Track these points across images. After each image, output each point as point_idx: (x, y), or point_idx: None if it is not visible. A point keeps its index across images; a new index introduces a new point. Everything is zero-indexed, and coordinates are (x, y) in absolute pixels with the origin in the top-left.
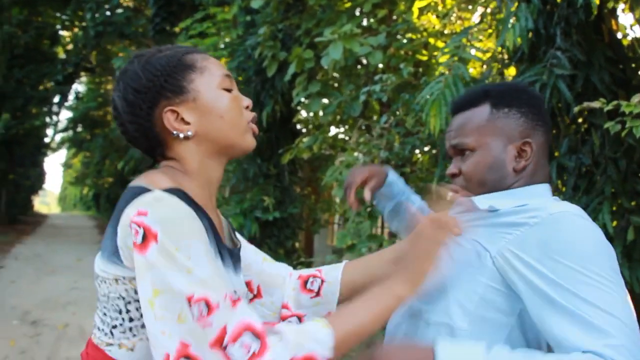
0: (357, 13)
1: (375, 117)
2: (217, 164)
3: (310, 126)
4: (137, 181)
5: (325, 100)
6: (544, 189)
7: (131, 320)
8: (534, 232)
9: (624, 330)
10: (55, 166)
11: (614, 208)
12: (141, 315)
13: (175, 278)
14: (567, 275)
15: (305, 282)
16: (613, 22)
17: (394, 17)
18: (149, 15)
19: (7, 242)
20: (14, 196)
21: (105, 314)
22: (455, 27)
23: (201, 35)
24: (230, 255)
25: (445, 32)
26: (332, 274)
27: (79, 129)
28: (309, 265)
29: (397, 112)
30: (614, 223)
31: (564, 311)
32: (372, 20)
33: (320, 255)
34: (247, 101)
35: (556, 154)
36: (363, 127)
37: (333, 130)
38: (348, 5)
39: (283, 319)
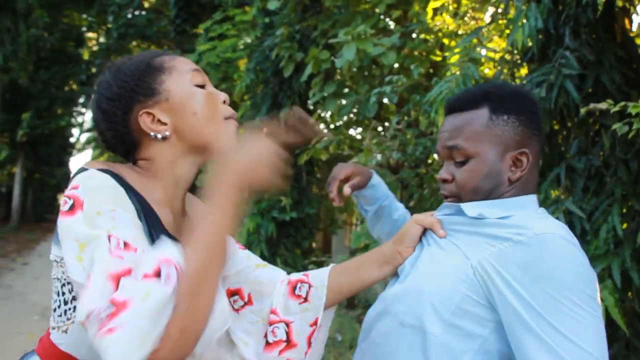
0: (371, 14)
1: (390, 118)
2: (189, 163)
3: (330, 127)
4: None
5: (342, 101)
6: (532, 200)
7: (65, 302)
8: (516, 251)
9: None
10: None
11: (624, 210)
12: (73, 298)
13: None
14: (544, 302)
15: (294, 288)
16: (626, 20)
17: (409, 18)
18: (170, 17)
19: (32, 240)
20: (40, 195)
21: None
22: (470, 27)
23: (221, 36)
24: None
25: (460, 32)
26: (319, 278)
27: None
28: (320, 264)
29: (411, 113)
30: (624, 225)
31: (535, 336)
32: (386, 20)
33: (337, 255)
34: (222, 96)
35: (567, 155)
36: (379, 129)
37: (351, 131)
38: (366, 7)
39: (270, 324)
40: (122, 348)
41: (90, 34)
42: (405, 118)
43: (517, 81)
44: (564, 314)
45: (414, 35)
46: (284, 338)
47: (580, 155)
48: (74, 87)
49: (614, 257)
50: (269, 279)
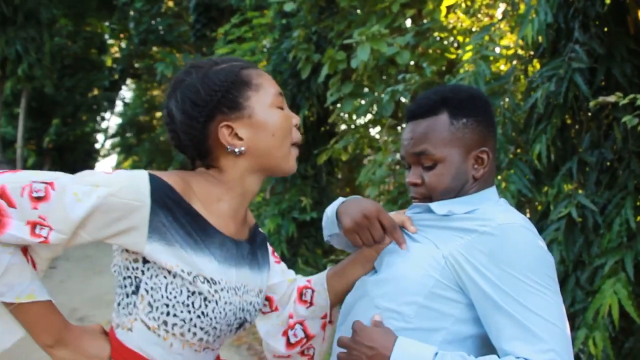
0: (387, 13)
1: None
2: (256, 179)
3: (350, 126)
4: None
5: (362, 101)
6: (493, 192)
7: (127, 295)
8: (482, 241)
9: (556, 334)
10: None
11: (638, 203)
12: (134, 292)
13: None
14: (511, 283)
15: (301, 294)
16: (639, 12)
17: (423, 16)
18: (190, 22)
19: None
20: None
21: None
22: (484, 24)
23: (239, 39)
24: (236, 246)
25: (474, 29)
26: (319, 283)
27: (128, 134)
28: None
29: None
30: (637, 218)
31: (505, 313)
32: (401, 19)
33: None
34: (296, 119)
35: (579, 149)
36: (397, 127)
37: (372, 131)
38: (382, 6)
39: (290, 327)
40: None
41: (112, 41)
42: None
43: (530, 75)
44: (528, 292)
45: (428, 34)
46: (303, 335)
47: (593, 149)
48: (97, 93)
49: (627, 250)
50: (293, 291)
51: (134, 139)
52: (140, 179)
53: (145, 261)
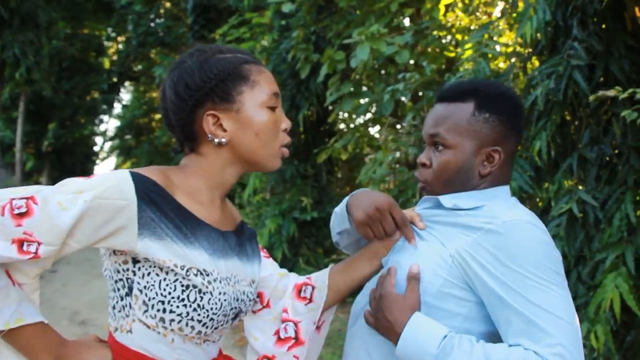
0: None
1: (406, 115)
2: (235, 171)
3: (349, 126)
4: None
5: (362, 101)
6: (504, 190)
7: (121, 298)
8: (487, 238)
9: (563, 328)
10: (100, 172)
11: (637, 198)
12: (127, 294)
13: (59, 193)
14: (517, 280)
15: (300, 291)
16: (636, 9)
17: (421, 15)
18: (188, 23)
19: None
20: None
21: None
22: (482, 22)
23: (238, 40)
24: (222, 237)
25: (472, 27)
26: (321, 280)
27: (127, 136)
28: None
29: (425, 110)
30: (637, 213)
31: (513, 310)
32: (400, 18)
33: None
34: (286, 124)
35: (579, 145)
36: (397, 126)
37: (371, 130)
38: (381, 5)
39: (283, 321)
40: None
41: (110, 43)
42: (420, 114)
43: (529, 73)
44: (534, 288)
45: (427, 32)
46: (293, 335)
47: (592, 145)
48: (96, 96)
49: (628, 244)
50: (284, 286)
51: (133, 141)
52: (122, 177)
53: (136, 261)
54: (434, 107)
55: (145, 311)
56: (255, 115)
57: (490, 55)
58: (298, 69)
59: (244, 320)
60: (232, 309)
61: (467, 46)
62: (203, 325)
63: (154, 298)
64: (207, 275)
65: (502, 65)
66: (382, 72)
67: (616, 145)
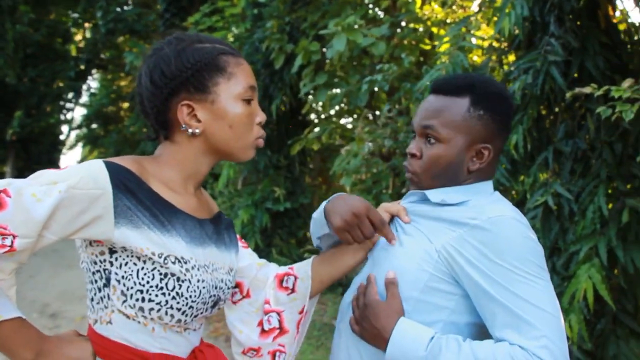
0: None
1: (381, 106)
2: (208, 161)
3: (320, 117)
4: None
5: (336, 91)
6: (488, 185)
7: (99, 290)
8: (473, 234)
9: (548, 320)
10: (71, 163)
11: (610, 191)
12: (105, 285)
13: (32, 185)
14: (503, 274)
15: (281, 281)
16: (609, 7)
17: (397, 7)
18: (159, 11)
19: None
20: None
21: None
22: (458, 16)
23: (210, 29)
24: (199, 225)
25: (448, 21)
26: (303, 270)
27: (94, 125)
28: (317, 253)
29: (402, 101)
30: (610, 205)
31: (499, 304)
32: (375, 10)
33: None
34: (260, 117)
35: (554, 139)
36: (370, 117)
37: (342, 121)
38: None
39: (265, 313)
40: None
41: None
42: (396, 106)
43: (505, 67)
44: (519, 282)
45: (402, 25)
46: (277, 326)
47: (567, 139)
48: (62, 84)
49: (601, 236)
50: (264, 275)
51: (101, 130)
52: (96, 167)
53: (113, 251)
54: (427, 98)
55: (124, 301)
56: (230, 107)
57: (466, 49)
58: (272, 60)
59: (226, 313)
60: (211, 296)
61: (445, 39)
62: (182, 313)
63: (132, 288)
64: (185, 262)
65: (476, 58)
66: (356, 63)
67: (590, 140)
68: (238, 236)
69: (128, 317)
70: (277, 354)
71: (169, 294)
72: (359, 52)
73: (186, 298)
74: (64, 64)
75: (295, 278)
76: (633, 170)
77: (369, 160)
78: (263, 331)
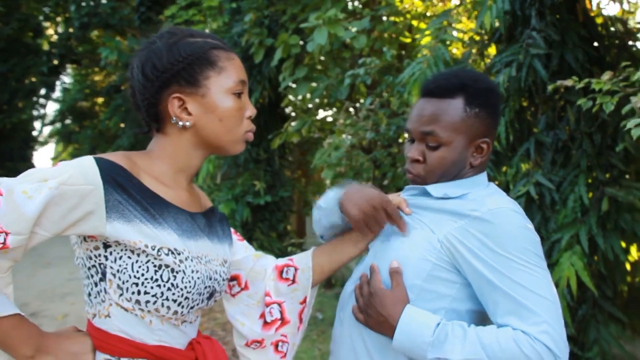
0: None
1: (362, 100)
2: (199, 154)
3: (299, 110)
4: None
5: (314, 84)
6: (483, 177)
7: (96, 284)
8: (475, 225)
9: (548, 307)
10: (44, 160)
11: (590, 180)
12: (101, 279)
13: (22, 183)
14: (504, 263)
15: (281, 272)
16: (587, 1)
17: (377, 1)
18: (134, 5)
19: None
20: None
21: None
22: (438, 9)
23: (187, 23)
24: (191, 218)
25: (428, 14)
26: (304, 261)
27: (67, 121)
28: (300, 246)
29: (383, 94)
30: (590, 194)
31: (501, 291)
32: (356, 4)
33: (312, 236)
34: (250, 111)
35: (536, 130)
36: (350, 110)
37: (321, 114)
38: None
39: (267, 305)
40: None
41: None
42: (377, 99)
43: (487, 60)
44: (520, 270)
45: (383, 18)
46: (279, 317)
47: (548, 130)
48: (34, 79)
49: (581, 224)
50: (262, 267)
51: (75, 126)
52: (86, 163)
53: (107, 246)
54: (420, 102)
55: (121, 294)
56: (221, 100)
57: (448, 42)
58: (251, 53)
59: (226, 306)
60: (206, 287)
61: (427, 32)
62: (179, 304)
63: (127, 281)
64: (178, 254)
65: (455, 51)
66: (336, 57)
67: (570, 131)
68: (233, 230)
69: (126, 310)
70: (280, 344)
71: (164, 286)
72: (339, 46)
73: (181, 289)
74: (35, 58)
75: (296, 269)
76: (612, 160)
77: (350, 153)
78: (265, 323)
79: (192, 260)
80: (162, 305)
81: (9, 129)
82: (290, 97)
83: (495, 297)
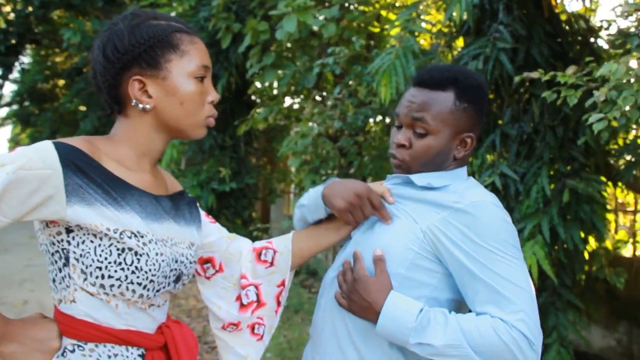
0: None
1: (329, 88)
2: (161, 138)
3: (265, 97)
4: None
5: (281, 72)
6: (464, 171)
7: (60, 270)
8: (457, 217)
9: (524, 296)
10: (0, 142)
11: (552, 172)
12: (65, 264)
13: None
14: (484, 254)
15: (260, 254)
16: None
17: None
18: None
19: None
20: None
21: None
22: (407, 0)
23: (152, 5)
24: (155, 200)
25: (397, 4)
26: (283, 244)
27: (26, 103)
28: (265, 232)
29: (350, 83)
30: (552, 186)
31: (480, 281)
32: None
33: (277, 224)
34: (213, 96)
35: (501, 122)
36: (317, 98)
37: (288, 101)
38: None
39: (243, 287)
40: None
41: (5, 2)
42: (345, 88)
43: (454, 52)
44: (499, 261)
45: (351, 7)
46: (255, 299)
47: (513, 123)
48: None
49: (543, 215)
50: (237, 249)
51: (34, 109)
52: (44, 147)
53: (69, 231)
54: (412, 91)
55: (85, 279)
56: (182, 84)
57: (416, 33)
58: (218, 39)
59: (201, 290)
60: (171, 270)
61: (397, 23)
62: (144, 287)
63: (91, 265)
64: (142, 237)
65: (422, 42)
66: (304, 44)
67: (534, 124)
68: (205, 213)
69: (91, 294)
70: (256, 326)
71: (128, 269)
72: (307, 34)
73: (146, 272)
74: None
75: (275, 252)
76: (573, 153)
77: (317, 141)
78: (242, 305)
79: (156, 243)
80: (127, 288)
81: None
82: (257, 84)
83: (475, 286)
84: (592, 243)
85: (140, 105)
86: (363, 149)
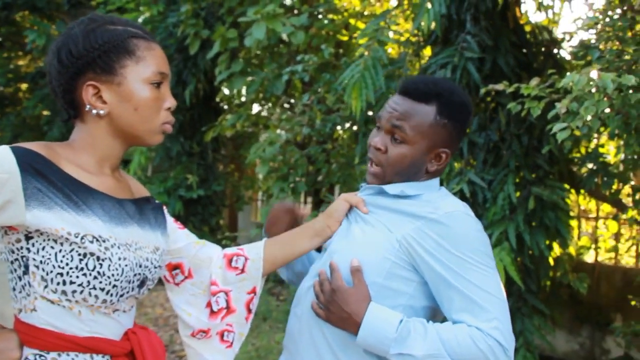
0: None
1: (297, 95)
2: (118, 144)
3: (233, 104)
4: None
5: (250, 78)
6: (436, 181)
7: (20, 278)
8: (431, 227)
9: (497, 304)
10: None
11: (518, 180)
12: (24, 272)
13: None
14: (459, 263)
15: (230, 261)
16: (517, 9)
17: None
18: None
19: None
20: None
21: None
22: (375, 9)
23: (120, 10)
24: (118, 204)
25: (365, 13)
26: (254, 252)
27: None
28: (234, 240)
29: (319, 91)
30: (517, 193)
31: (455, 289)
32: (294, 0)
33: (245, 231)
34: (169, 103)
35: (468, 131)
36: (286, 105)
37: (256, 108)
38: None
39: (213, 294)
40: None
41: None
42: (314, 96)
43: (422, 61)
44: (473, 270)
45: (320, 17)
46: (225, 305)
47: (480, 131)
48: None
49: (510, 222)
50: (206, 255)
51: None
52: (1, 152)
53: (29, 237)
54: (396, 98)
55: (46, 286)
56: (137, 90)
57: (385, 43)
58: (186, 45)
59: (170, 296)
60: (135, 275)
61: (366, 32)
62: (107, 293)
63: (51, 271)
64: (104, 241)
65: (390, 51)
66: (273, 51)
67: (501, 133)
68: (173, 219)
69: (52, 302)
70: (226, 333)
71: (90, 274)
72: (276, 41)
73: (108, 277)
74: None
75: (246, 259)
76: (538, 161)
77: (285, 149)
78: (212, 312)
79: (119, 247)
80: (90, 294)
81: None
82: (226, 90)
83: (450, 294)
84: (557, 249)
85: (94, 111)
86: (331, 156)
